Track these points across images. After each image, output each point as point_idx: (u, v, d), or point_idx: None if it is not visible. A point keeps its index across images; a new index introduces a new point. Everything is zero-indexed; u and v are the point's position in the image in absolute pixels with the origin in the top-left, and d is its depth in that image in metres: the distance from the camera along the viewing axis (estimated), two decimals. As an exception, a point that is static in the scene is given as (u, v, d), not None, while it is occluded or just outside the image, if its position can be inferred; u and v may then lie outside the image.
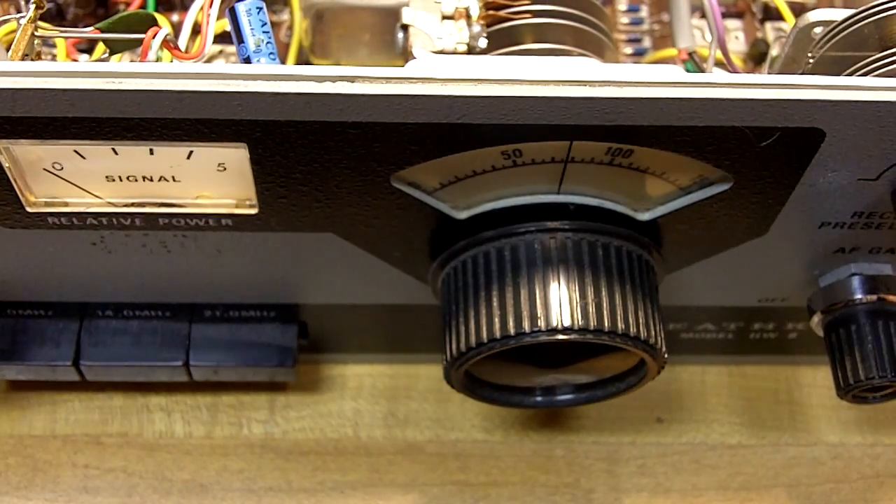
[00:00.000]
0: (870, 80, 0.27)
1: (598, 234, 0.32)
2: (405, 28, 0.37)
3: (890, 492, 0.40)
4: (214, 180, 0.30)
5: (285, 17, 0.41)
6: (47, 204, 0.30)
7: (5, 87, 0.25)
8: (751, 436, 0.41)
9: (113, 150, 0.28)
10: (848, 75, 0.30)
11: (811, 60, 0.32)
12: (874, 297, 0.34)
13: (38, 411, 0.40)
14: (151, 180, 0.30)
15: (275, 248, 0.33)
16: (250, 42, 0.29)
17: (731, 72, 0.35)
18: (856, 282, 0.34)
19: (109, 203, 0.30)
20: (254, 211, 0.31)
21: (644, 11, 0.43)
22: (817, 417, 0.42)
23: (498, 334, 0.31)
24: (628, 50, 0.43)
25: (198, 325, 0.37)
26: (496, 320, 0.31)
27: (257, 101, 0.26)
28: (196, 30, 0.31)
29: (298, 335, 0.38)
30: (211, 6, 0.30)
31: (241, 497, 0.39)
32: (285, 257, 0.33)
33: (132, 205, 0.31)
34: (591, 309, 0.31)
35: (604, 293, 0.31)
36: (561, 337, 0.31)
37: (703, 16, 0.36)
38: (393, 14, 0.37)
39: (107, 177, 0.29)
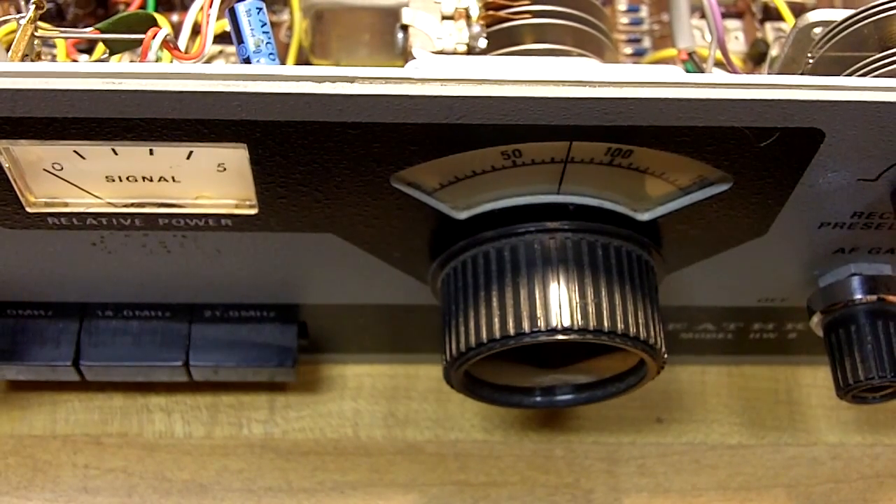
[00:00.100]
0: (869, 81, 0.27)
1: (597, 234, 0.32)
2: (405, 28, 0.37)
3: (890, 492, 0.40)
4: (214, 180, 0.30)
5: (285, 17, 0.41)
6: (47, 204, 0.30)
7: (5, 88, 0.25)
8: (750, 436, 0.41)
9: (113, 150, 0.28)
10: (848, 75, 0.30)
11: (811, 61, 0.32)
12: (874, 297, 0.34)
13: (38, 411, 0.40)
14: (151, 180, 0.30)
15: (275, 248, 0.33)
16: (250, 42, 0.29)
17: (730, 72, 0.35)
18: (855, 282, 0.34)
19: (109, 203, 0.30)
20: (253, 211, 0.31)
21: (644, 11, 0.43)
22: (817, 417, 0.42)
23: (498, 334, 0.31)
24: (628, 50, 0.43)
25: (198, 325, 0.37)
26: (496, 320, 0.31)
27: (257, 102, 0.26)
28: (196, 30, 0.31)
29: (298, 335, 0.38)
30: (211, 6, 0.30)
31: (241, 497, 0.39)
32: (285, 257, 0.33)
33: (132, 205, 0.31)
34: (591, 309, 0.31)
35: (603, 293, 0.31)
36: (561, 337, 0.31)
37: (703, 16, 0.36)
38: (393, 14, 0.37)
39: (107, 177, 0.30)
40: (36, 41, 0.30)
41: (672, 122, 0.27)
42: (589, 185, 0.31)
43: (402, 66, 0.27)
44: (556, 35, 0.36)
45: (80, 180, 0.30)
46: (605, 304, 0.31)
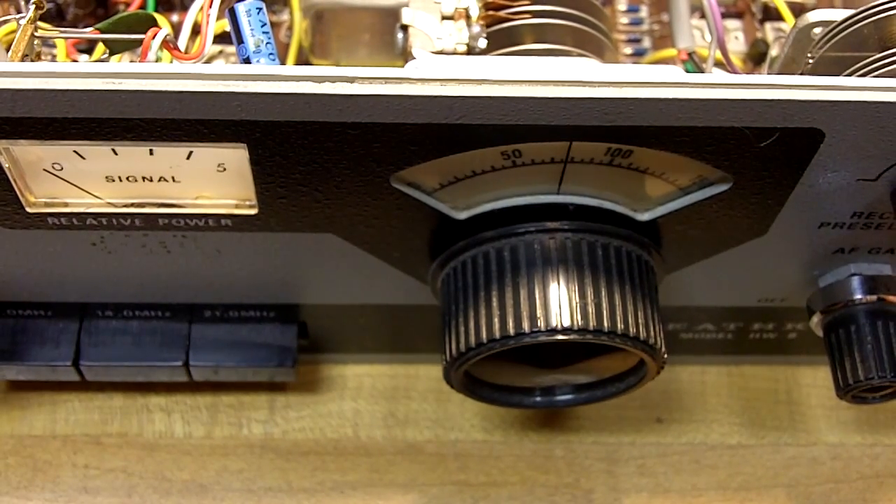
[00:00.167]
0: (869, 81, 0.27)
1: (597, 234, 0.32)
2: (405, 28, 0.37)
3: (889, 492, 0.40)
4: (214, 181, 0.30)
5: (285, 17, 0.41)
6: (47, 204, 0.30)
7: (5, 88, 0.25)
8: (750, 436, 0.41)
9: (113, 150, 0.28)
10: (847, 75, 0.30)
11: (811, 61, 0.32)
12: (874, 297, 0.34)
13: (38, 411, 0.40)
14: (151, 181, 0.30)
15: (275, 249, 0.33)
16: (250, 42, 0.29)
17: (730, 72, 0.35)
18: (855, 282, 0.34)
19: (109, 203, 0.30)
20: (253, 211, 0.31)
21: (644, 11, 0.44)
22: (817, 417, 0.42)
23: (498, 335, 0.31)
24: (628, 50, 0.43)
25: (198, 325, 0.37)
26: (496, 321, 0.31)
27: (257, 102, 0.26)
28: (196, 30, 0.31)
29: (298, 335, 0.38)
30: (211, 6, 0.30)
31: (240, 497, 0.39)
32: (285, 257, 0.33)
33: (132, 205, 0.31)
34: (591, 309, 0.31)
35: (603, 293, 0.31)
36: (560, 337, 0.31)
37: (703, 16, 0.36)
38: (393, 14, 0.37)
39: (107, 177, 0.30)
40: (36, 41, 0.30)
41: (672, 122, 0.27)
42: (589, 185, 0.31)
43: (402, 66, 0.27)
44: (556, 35, 0.36)
45: (80, 180, 0.30)
46: (605, 305, 0.31)
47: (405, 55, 0.37)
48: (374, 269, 0.34)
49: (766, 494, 0.40)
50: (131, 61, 0.37)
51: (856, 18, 0.31)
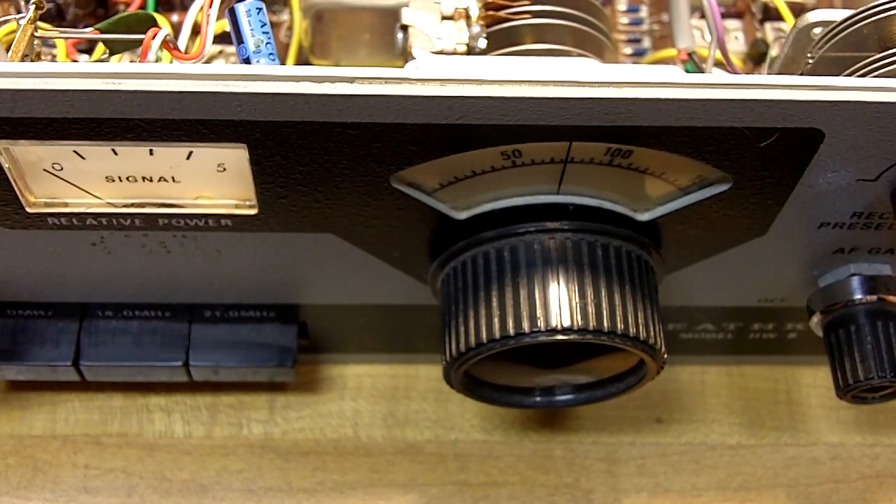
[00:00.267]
0: (869, 81, 0.27)
1: (597, 234, 0.32)
2: (405, 28, 0.37)
3: (889, 492, 0.40)
4: (214, 181, 0.30)
5: (285, 17, 0.42)
6: (47, 204, 0.30)
7: (5, 88, 0.25)
8: (750, 436, 0.41)
9: (113, 150, 0.28)
10: (847, 76, 0.30)
11: (810, 61, 0.32)
12: (874, 297, 0.34)
13: (38, 411, 0.40)
14: (151, 181, 0.30)
15: (275, 249, 0.33)
16: (250, 42, 0.29)
17: (730, 72, 0.35)
18: (855, 282, 0.34)
19: (109, 203, 0.30)
20: (253, 211, 0.31)
21: (644, 11, 0.44)
22: (817, 417, 0.42)
23: (498, 335, 0.31)
24: (628, 50, 0.43)
25: (198, 325, 0.37)
26: (496, 321, 0.31)
27: (257, 102, 0.26)
28: (196, 30, 0.31)
29: (298, 335, 0.38)
30: (211, 6, 0.30)
31: (240, 497, 0.39)
32: (285, 257, 0.33)
33: (132, 205, 0.31)
34: (591, 309, 0.31)
35: (603, 294, 0.31)
36: (560, 337, 0.31)
37: (703, 16, 0.36)
38: (393, 14, 0.37)
39: (106, 177, 0.30)
40: (36, 41, 0.30)
41: (672, 122, 0.27)
42: (589, 185, 0.31)
43: (402, 67, 0.27)
44: (556, 35, 0.36)
45: (80, 180, 0.30)
46: (604, 305, 0.31)
47: (405, 55, 0.37)
48: (374, 269, 0.34)
49: (766, 494, 0.40)
50: (131, 61, 0.37)
51: (856, 18, 0.31)
